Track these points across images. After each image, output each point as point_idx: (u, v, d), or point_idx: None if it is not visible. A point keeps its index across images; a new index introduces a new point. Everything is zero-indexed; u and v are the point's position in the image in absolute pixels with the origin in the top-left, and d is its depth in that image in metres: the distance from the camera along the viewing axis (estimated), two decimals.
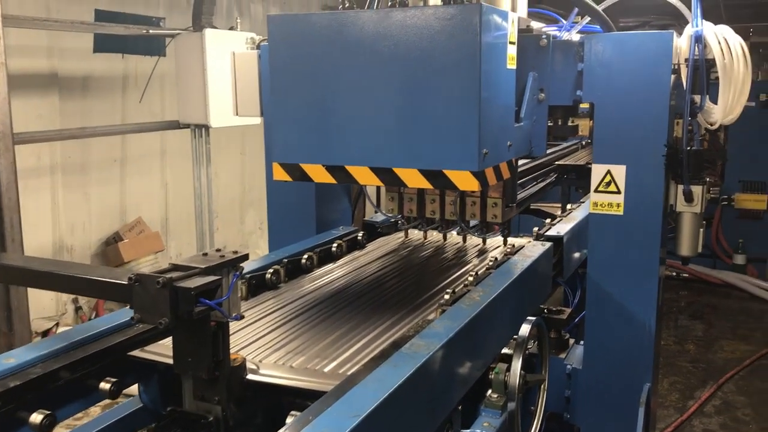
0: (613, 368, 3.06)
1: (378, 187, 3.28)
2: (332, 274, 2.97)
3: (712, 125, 3.10)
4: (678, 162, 2.90)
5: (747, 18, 8.70)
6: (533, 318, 2.53)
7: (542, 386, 2.70)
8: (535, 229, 3.31)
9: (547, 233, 3.28)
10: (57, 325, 6.40)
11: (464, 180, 2.31)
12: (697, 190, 2.99)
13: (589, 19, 3.07)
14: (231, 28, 6.87)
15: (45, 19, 5.97)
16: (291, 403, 1.86)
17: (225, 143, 8.24)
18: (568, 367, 3.12)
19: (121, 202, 7.37)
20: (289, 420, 1.69)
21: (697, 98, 2.96)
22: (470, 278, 2.54)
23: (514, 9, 2.84)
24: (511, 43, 2.52)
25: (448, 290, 2.40)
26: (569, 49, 2.89)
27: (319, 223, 3.51)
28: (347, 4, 2.57)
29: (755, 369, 6.38)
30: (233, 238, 8.96)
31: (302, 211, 3.50)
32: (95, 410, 3.21)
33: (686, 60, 2.88)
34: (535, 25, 3.00)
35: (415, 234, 3.55)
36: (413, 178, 2.37)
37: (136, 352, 2.06)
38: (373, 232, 3.61)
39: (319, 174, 2.51)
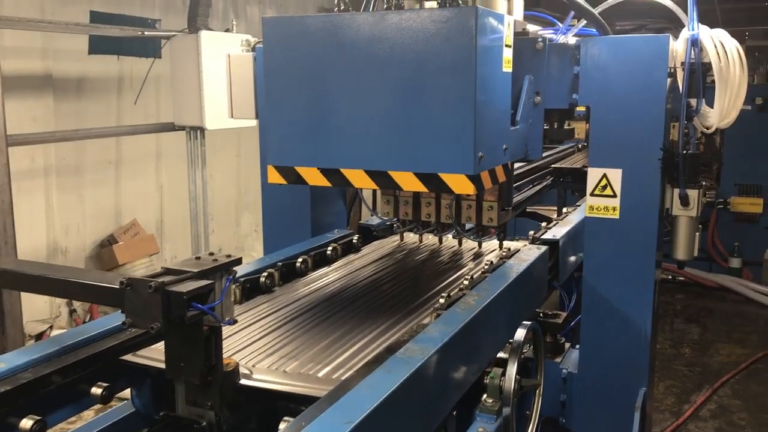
0: (608, 372, 3.05)
1: (374, 190, 3.26)
2: (327, 277, 2.95)
3: (708, 129, 3.10)
4: (674, 166, 2.90)
5: (743, 21, 8.74)
6: (529, 322, 2.52)
7: (538, 391, 2.68)
8: (531, 232, 3.30)
9: (543, 237, 3.27)
10: (51, 327, 6.38)
11: (460, 183, 2.30)
12: (693, 193, 2.98)
13: (585, 22, 3.06)
14: (227, 30, 6.86)
15: (40, 21, 5.95)
16: (285, 408, 1.85)
17: (220, 145, 8.23)
18: (564, 371, 3.11)
19: (116, 204, 7.35)
20: (281, 426, 1.68)
21: (693, 102, 2.95)
22: (466, 282, 2.53)
23: (510, 12, 2.83)
24: (507, 46, 2.51)
25: (443, 294, 2.39)
26: (565, 52, 2.88)
27: (315, 226, 3.49)
28: (343, 7, 2.56)
29: (751, 373, 6.38)
30: (229, 240, 8.94)
31: (297, 214, 3.49)
32: (88, 414, 3.18)
33: (682, 63, 2.88)
34: (531, 28, 2.99)
35: (411, 237, 3.54)
36: (408, 182, 2.36)
37: (129, 357, 2.04)
38: (369, 235, 3.59)
39: (313, 177, 2.49)
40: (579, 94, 2.87)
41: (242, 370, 1.97)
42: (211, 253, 1.91)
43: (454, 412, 2.16)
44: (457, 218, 3.07)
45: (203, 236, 7.16)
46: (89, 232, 7.05)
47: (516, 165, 3.22)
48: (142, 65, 7.31)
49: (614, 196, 2.92)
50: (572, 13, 3.06)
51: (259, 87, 3.33)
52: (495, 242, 3.30)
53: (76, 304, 6.79)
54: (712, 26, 2.95)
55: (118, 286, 1.70)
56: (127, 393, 2.16)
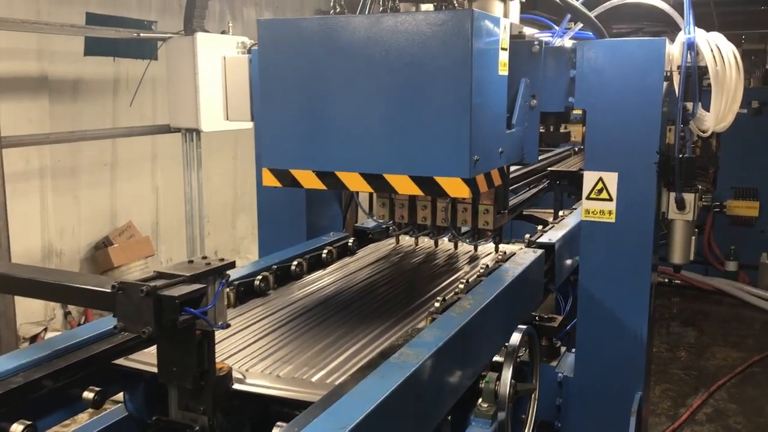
0: (604, 376, 3.04)
1: (370, 193, 3.25)
2: (322, 280, 2.94)
3: (704, 132, 3.09)
4: (670, 169, 2.89)
5: (739, 25, 8.75)
6: (524, 326, 2.51)
7: (533, 395, 2.67)
8: (527, 236, 3.30)
9: (539, 240, 3.26)
10: (45, 330, 6.34)
11: (455, 187, 2.29)
12: (689, 197, 2.98)
13: (581, 25, 3.06)
14: (223, 32, 6.85)
15: (35, 22, 5.93)
16: (278, 413, 1.84)
17: (216, 147, 8.21)
18: (560, 375, 3.10)
19: (112, 206, 7.32)
20: (275, 431, 1.67)
21: (690, 105, 2.95)
22: (461, 286, 2.52)
23: (506, 15, 2.83)
24: (503, 49, 2.51)
25: (438, 298, 2.38)
26: (561, 55, 2.88)
27: (310, 228, 3.48)
28: (338, 9, 2.55)
29: (747, 376, 6.37)
30: (224, 243, 8.92)
31: (293, 216, 3.47)
32: (83, 417, 3.17)
33: (678, 67, 2.87)
34: (528, 31, 2.98)
35: (407, 240, 3.53)
36: (404, 185, 2.35)
37: (121, 361, 2.03)
38: (364, 238, 3.58)
39: (309, 180, 2.48)
40: (575, 98, 2.87)
41: (235, 374, 1.95)
42: (205, 257, 1.90)
43: (449, 417, 2.15)
44: (452, 221, 3.06)
45: (199, 238, 7.14)
46: (84, 234, 7.03)
47: (512, 168, 3.21)
48: (137, 67, 7.29)
49: (610, 199, 2.91)
50: (569, 16, 3.06)
51: (255, 89, 3.31)
52: (491, 245, 3.29)
53: (71, 306, 6.76)
54: (708, 30, 2.94)
55: (109, 290, 1.68)
56: (120, 396, 2.14)
